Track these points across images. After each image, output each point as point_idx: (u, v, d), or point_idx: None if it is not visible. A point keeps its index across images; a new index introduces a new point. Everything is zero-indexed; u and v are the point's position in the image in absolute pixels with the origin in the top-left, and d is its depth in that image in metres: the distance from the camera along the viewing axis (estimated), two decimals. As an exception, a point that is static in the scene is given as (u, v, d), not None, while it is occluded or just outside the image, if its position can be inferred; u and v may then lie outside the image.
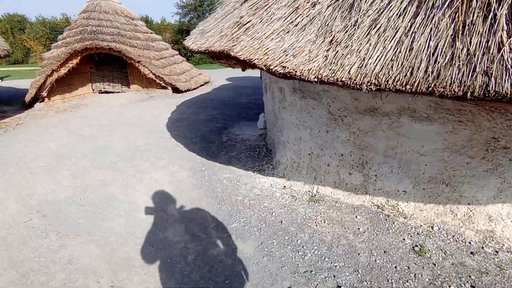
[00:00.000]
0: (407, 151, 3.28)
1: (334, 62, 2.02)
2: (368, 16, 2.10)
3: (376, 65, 1.89)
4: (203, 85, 11.73)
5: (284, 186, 4.14)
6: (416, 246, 3.01)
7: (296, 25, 2.43)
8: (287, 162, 4.30)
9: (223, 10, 3.86)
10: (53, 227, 3.56)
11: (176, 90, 10.43)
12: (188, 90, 10.66)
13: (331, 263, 2.85)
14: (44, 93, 9.15)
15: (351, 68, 1.94)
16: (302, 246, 3.08)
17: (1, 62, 21.38)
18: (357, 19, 2.12)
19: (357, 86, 1.91)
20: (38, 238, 3.38)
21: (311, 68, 2.08)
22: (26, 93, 12.33)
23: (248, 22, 2.76)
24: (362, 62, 1.94)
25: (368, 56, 1.94)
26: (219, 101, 9.35)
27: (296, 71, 2.11)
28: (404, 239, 3.11)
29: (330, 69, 2.01)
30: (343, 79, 1.94)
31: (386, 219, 3.41)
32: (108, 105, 9.33)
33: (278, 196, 3.94)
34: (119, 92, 11.01)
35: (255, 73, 15.12)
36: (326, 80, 2.02)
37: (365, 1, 2.17)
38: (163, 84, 10.16)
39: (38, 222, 3.67)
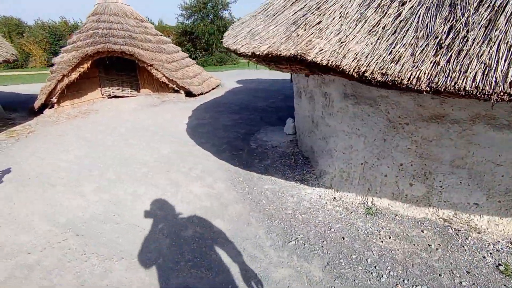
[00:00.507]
0: (480, 161, 3.03)
1: (451, 69, 1.76)
2: (481, 15, 1.84)
3: (508, 73, 1.63)
4: (214, 88, 11.44)
5: (334, 198, 3.87)
6: (500, 265, 2.75)
7: (384, 27, 2.17)
8: (334, 172, 4.03)
9: (269, 10, 3.59)
10: (91, 248, 3.26)
11: (188, 93, 10.13)
12: (201, 94, 10.36)
13: (413, 286, 2.59)
14: (54, 99, 8.81)
15: (475, 76, 1.68)
16: (374, 266, 2.81)
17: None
18: (468, 19, 1.86)
19: (484, 96, 1.65)
20: (78, 262, 3.08)
21: (419, 76, 1.81)
22: (30, 98, 12.04)
23: (319, 23, 2.50)
24: (487, 69, 1.68)
25: (493, 61, 1.69)
26: (235, 105, 9.07)
27: (402, 79, 1.85)
28: (484, 257, 2.85)
29: (448, 77, 1.75)
30: (466, 89, 1.68)
31: (457, 234, 3.15)
32: (120, 111, 9.01)
33: (330, 208, 3.67)
34: (128, 96, 10.70)
35: (264, 75, 14.88)
36: (443, 90, 1.75)
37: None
38: (175, 88, 9.86)
39: (73, 242, 3.37)
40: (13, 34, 24.94)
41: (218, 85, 11.85)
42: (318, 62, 2.21)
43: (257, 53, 2.84)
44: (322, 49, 2.28)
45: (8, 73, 20.58)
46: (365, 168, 3.70)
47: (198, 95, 10.29)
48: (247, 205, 3.85)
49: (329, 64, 2.14)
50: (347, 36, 2.22)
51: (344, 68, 2.05)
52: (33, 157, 5.71)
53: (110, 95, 10.57)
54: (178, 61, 10.13)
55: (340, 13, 2.47)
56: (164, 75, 9.39)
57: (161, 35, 10.64)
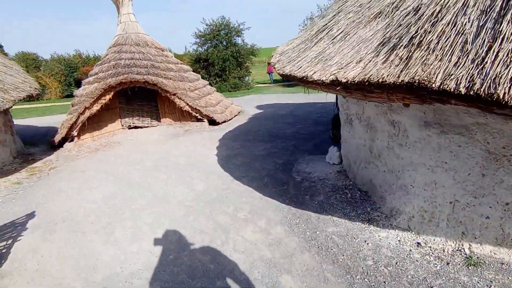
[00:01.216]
0: None
1: None
2: None
3: None
4: (237, 115, 11.09)
5: (418, 244, 3.27)
6: None
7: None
8: (413, 211, 3.45)
9: (333, 30, 3.18)
10: (139, 319, 2.70)
11: (211, 122, 9.76)
12: (224, 122, 9.99)
13: None
14: (75, 132, 8.50)
15: None
16: None
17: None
18: None
19: None
20: None
21: None
22: (47, 131, 11.83)
23: (430, 42, 2.04)
24: None
25: None
26: (263, 133, 8.63)
27: None
28: None
29: None
30: None
31: None
32: (143, 142, 8.63)
33: (418, 258, 3.07)
34: (148, 126, 10.38)
35: (282, 99, 14.58)
36: None
37: None
38: (199, 117, 9.51)
39: (117, 310, 2.81)
40: (30, 69, 25.45)
41: (240, 112, 11.51)
42: (451, 91, 1.73)
43: (343, 80, 2.38)
44: (455, 75, 1.80)
45: (24, 106, 20.74)
46: (456, 207, 3.12)
47: (222, 123, 9.91)
48: (315, 254, 3.26)
49: (473, 93, 1.65)
50: (482, 58, 1.75)
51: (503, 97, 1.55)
52: (57, 197, 5.26)
53: (130, 125, 10.27)
54: (200, 89, 9.85)
55: (456, 27, 2.02)
56: (187, 104, 9.07)
57: (181, 64, 10.46)
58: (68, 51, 42.83)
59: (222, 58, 21.06)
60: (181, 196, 4.92)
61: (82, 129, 8.73)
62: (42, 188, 5.78)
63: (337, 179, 4.98)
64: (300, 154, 6.51)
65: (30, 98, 8.07)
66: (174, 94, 8.88)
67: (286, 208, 4.23)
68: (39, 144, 9.59)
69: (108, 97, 8.40)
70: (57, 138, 8.30)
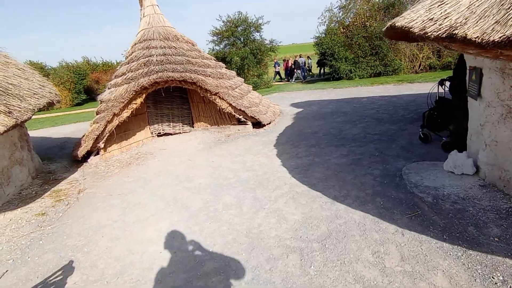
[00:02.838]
0: None
1: None
2: None
3: None
4: (279, 115, 9.68)
5: None
6: None
7: None
8: None
9: None
10: None
11: (254, 124, 8.37)
12: (269, 123, 8.59)
13: None
14: (101, 144, 7.18)
15: None
16: None
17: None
18: None
19: None
20: None
21: None
22: (63, 142, 10.55)
23: None
24: None
25: None
26: (325, 134, 7.21)
27: None
28: None
29: None
30: None
31: None
32: (181, 152, 7.27)
33: None
34: (180, 133, 9.04)
35: (312, 96, 13.16)
36: None
37: None
38: (242, 119, 8.12)
39: None
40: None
41: (280, 112, 10.10)
42: None
43: None
44: None
45: (36, 116, 19.58)
46: None
47: (266, 125, 8.52)
48: None
49: None
50: None
51: None
52: (98, 237, 3.89)
53: (159, 133, 8.93)
54: (240, 87, 8.46)
55: None
56: (230, 105, 7.69)
57: (215, 59, 9.08)
58: (76, 58, 41.78)
59: (240, 56, 19.76)
60: (273, 230, 3.52)
61: (109, 140, 7.42)
62: (74, 221, 4.43)
63: (492, 199, 3.52)
64: (394, 161, 5.08)
65: (48, 107, 6.76)
66: (216, 94, 7.50)
67: (458, 251, 2.78)
68: (58, 158, 8.30)
69: (139, 100, 7.06)
70: (81, 151, 6.98)
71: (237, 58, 19.51)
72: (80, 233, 4.05)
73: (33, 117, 19.35)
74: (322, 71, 22.19)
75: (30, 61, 26.01)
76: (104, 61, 29.08)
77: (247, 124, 8.25)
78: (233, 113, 7.87)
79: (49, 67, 26.97)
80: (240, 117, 8.03)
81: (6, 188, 5.41)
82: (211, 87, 7.34)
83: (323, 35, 19.65)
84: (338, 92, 13.77)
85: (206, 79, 7.36)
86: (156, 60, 7.23)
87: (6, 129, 4.00)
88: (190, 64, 7.51)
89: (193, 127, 9.08)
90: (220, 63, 8.91)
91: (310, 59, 25.49)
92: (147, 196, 5.04)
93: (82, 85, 24.93)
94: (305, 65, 22.60)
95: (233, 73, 9.06)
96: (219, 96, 7.56)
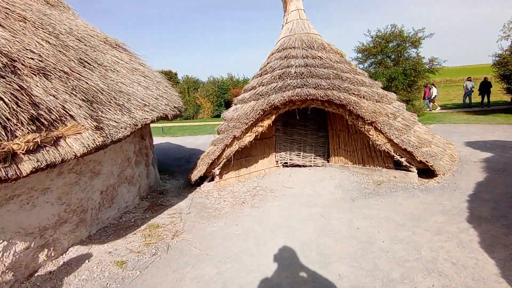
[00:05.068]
0: None
1: None
2: None
3: None
4: (457, 160, 6.45)
5: None
6: None
7: None
8: None
9: None
10: None
11: (419, 171, 5.56)
12: (443, 174, 5.60)
13: None
14: (217, 170, 5.92)
15: None
16: None
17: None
18: None
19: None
20: None
21: None
22: (192, 154, 10.20)
23: None
24: None
25: None
26: None
27: None
28: None
29: None
30: None
31: None
32: (311, 199, 5.24)
33: None
34: (310, 165, 7.07)
35: (494, 133, 8.86)
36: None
37: None
38: (403, 162, 5.46)
39: None
40: (190, 90, 27.60)
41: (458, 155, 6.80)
42: None
43: None
44: None
45: (180, 124, 21.66)
46: None
47: (441, 175, 5.56)
48: None
49: None
50: None
51: None
52: None
53: (286, 163, 7.22)
54: (402, 115, 5.84)
55: None
56: (390, 140, 5.22)
57: (367, 75, 6.77)
58: (222, 75, 46.57)
59: (388, 76, 16.58)
60: None
61: (226, 166, 6.12)
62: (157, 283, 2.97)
63: None
64: None
65: (183, 115, 5.99)
66: (371, 123, 5.18)
67: None
68: (178, 174, 7.67)
69: (267, 122, 5.48)
70: (194, 176, 5.89)
71: (383, 79, 16.43)
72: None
73: (179, 124, 21.10)
74: (485, 99, 16.84)
75: (186, 76, 29.92)
76: (246, 78, 30.65)
77: (410, 171, 5.52)
78: (392, 152, 5.33)
79: (200, 81, 30.30)
80: (402, 159, 5.39)
81: (105, 212, 4.60)
82: (365, 113, 5.06)
83: (508, 53, 14.53)
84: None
85: (360, 101, 5.14)
86: (295, 72, 5.52)
87: (86, 151, 2.87)
88: (339, 80, 5.47)
89: (327, 161, 6.97)
90: (377, 82, 6.52)
91: (473, 82, 19.44)
92: (255, 277, 3.19)
93: (223, 98, 26.69)
94: (472, 90, 17.54)
95: (393, 95, 6.47)
96: (374, 127, 5.20)
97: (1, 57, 2.64)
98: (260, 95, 5.49)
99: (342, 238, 3.80)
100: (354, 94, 5.24)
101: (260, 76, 6.22)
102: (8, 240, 3.05)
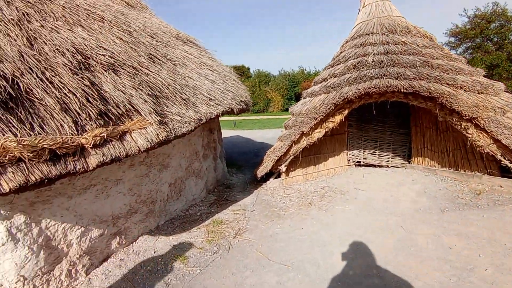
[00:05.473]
0: None
1: None
2: None
3: None
4: None
5: None
6: None
7: None
8: None
9: None
10: None
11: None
12: None
13: None
14: (283, 167, 5.65)
15: None
16: None
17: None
18: None
19: None
20: None
21: None
22: (261, 149, 10.13)
23: None
24: None
25: None
26: None
27: None
28: None
29: None
30: None
31: None
32: (388, 206, 4.59)
33: None
34: (388, 166, 6.29)
35: None
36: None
37: None
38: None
39: None
40: (261, 84, 27.85)
41: None
42: None
43: None
44: None
45: (250, 117, 22.00)
46: None
47: None
48: None
49: None
50: None
51: None
52: None
53: (359, 162, 6.56)
54: (514, 109, 4.68)
55: None
56: (497, 141, 4.22)
57: (466, 60, 5.64)
58: (293, 68, 45.89)
59: (489, 63, 14.04)
60: None
61: (293, 163, 5.80)
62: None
63: None
64: None
65: (254, 109, 5.92)
66: (471, 120, 4.26)
67: None
68: (245, 169, 7.66)
69: (338, 118, 4.98)
70: (260, 172, 5.72)
71: (483, 66, 13.94)
72: None
73: (248, 117, 21.46)
74: None
75: (258, 70, 30.27)
76: (317, 70, 29.61)
77: (524, 180, 4.41)
78: (498, 156, 4.31)
79: (272, 75, 30.35)
80: (511, 165, 4.33)
81: (173, 204, 4.73)
82: (463, 107, 4.16)
83: None
84: None
85: (456, 92, 4.26)
86: (373, 61, 4.86)
87: (149, 145, 2.88)
88: (427, 68, 4.64)
89: (409, 162, 6.10)
90: (478, 69, 5.37)
91: None
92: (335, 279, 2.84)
93: (294, 92, 26.26)
94: None
95: (500, 84, 5.24)
96: (475, 124, 4.26)
97: (77, 55, 2.78)
98: (332, 88, 4.99)
99: (429, 259, 3.16)
100: (448, 84, 4.37)
101: (332, 67, 5.69)
102: (85, 226, 3.26)
